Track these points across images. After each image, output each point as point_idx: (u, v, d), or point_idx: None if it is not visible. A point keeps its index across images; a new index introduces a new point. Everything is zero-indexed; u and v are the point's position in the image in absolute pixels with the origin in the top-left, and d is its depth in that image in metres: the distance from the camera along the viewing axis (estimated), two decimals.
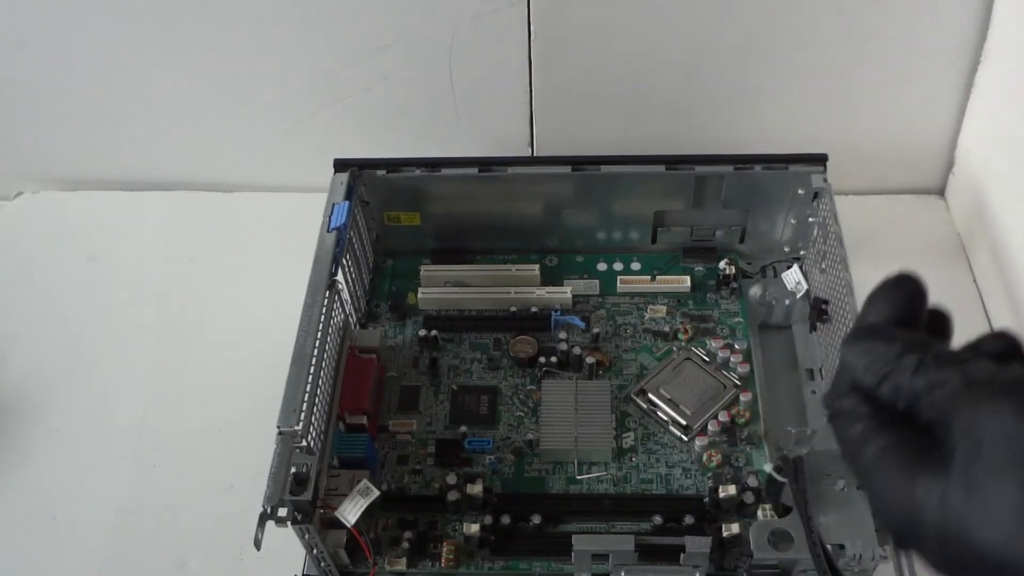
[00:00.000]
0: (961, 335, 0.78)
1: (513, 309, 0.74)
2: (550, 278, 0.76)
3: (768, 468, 0.61)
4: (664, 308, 0.74)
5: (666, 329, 0.73)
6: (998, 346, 0.34)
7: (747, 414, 0.67)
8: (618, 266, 0.78)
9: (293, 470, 0.54)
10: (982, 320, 0.76)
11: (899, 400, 0.33)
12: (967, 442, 0.30)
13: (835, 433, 0.35)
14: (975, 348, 0.34)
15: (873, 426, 0.34)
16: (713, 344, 0.71)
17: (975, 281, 0.79)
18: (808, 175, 0.69)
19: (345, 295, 0.69)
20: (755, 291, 0.73)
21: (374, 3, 0.75)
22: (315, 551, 0.57)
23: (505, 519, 0.62)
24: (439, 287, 0.75)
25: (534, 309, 0.74)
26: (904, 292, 0.36)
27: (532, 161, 0.80)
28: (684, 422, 0.67)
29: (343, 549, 0.59)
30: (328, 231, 0.66)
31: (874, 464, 0.33)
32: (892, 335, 0.34)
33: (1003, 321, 0.74)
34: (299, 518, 0.53)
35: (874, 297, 0.37)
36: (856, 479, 0.35)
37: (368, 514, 0.58)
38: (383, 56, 0.78)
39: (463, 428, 0.68)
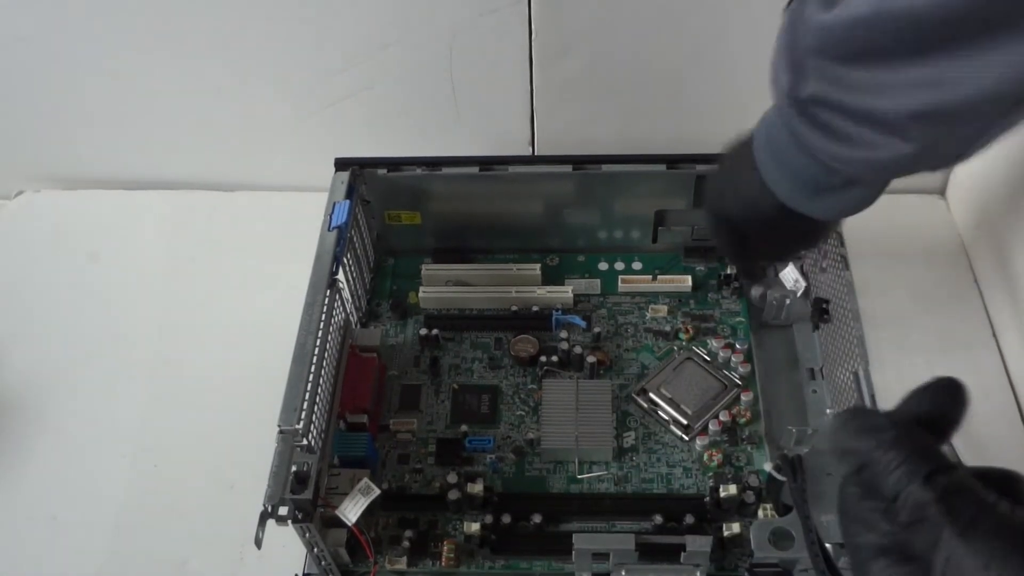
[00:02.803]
0: (962, 334, 0.78)
1: (514, 308, 0.74)
2: (551, 277, 0.76)
3: (768, 467, 0.61)
4: (665, 308, 0.74)
5: (667, 328, 0.73)
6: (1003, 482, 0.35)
7: (748, 414, 0.67)
8: (619, 265, 0.78)
9: (294, 469, 0.54)
10: (983, 320, 0.76)
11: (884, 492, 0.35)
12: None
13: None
14: (984, 476, 0.35)
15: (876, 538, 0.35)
16: (714, 344, 0.71)
17: (976, 281, 0.78)
18: None
19: (346, 294, 0.69)
20: (756, 291, 0.73)
21: (374, 3, 0.74)
22: (316, 550, 0.57)
23: (506, 518, 0.62)
24: (440, 286, 0.75)
25: (535, 308, 0.74)
26: (943, 395, 0.38)
27: (533, 160, 0.80)
28: (685, 421, 0.67)
29: (344, 548, 0.59)
30: (329, 230, 0.66)
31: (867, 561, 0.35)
32: (888, 432, 0.36)
33: (1003, 320, 0.74)
34: (300, 517, 0.53)
35: (915, 392, 0.39)
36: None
37: (369, 513, 0.58)
38: (383, 56, 0.78)
39: (464, 427, 0.68)
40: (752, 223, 0.53)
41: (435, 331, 0.72)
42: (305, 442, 0.55)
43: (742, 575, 0.59)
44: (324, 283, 0.63)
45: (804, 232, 0.53)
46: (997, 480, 0.35)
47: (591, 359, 0.69)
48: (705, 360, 0.70)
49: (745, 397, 0.67)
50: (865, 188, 0.48)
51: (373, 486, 0.58)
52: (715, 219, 0.57)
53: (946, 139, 0.40)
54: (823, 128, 0.43)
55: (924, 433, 0.36)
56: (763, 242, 0.55)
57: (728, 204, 0.54)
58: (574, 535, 0.57)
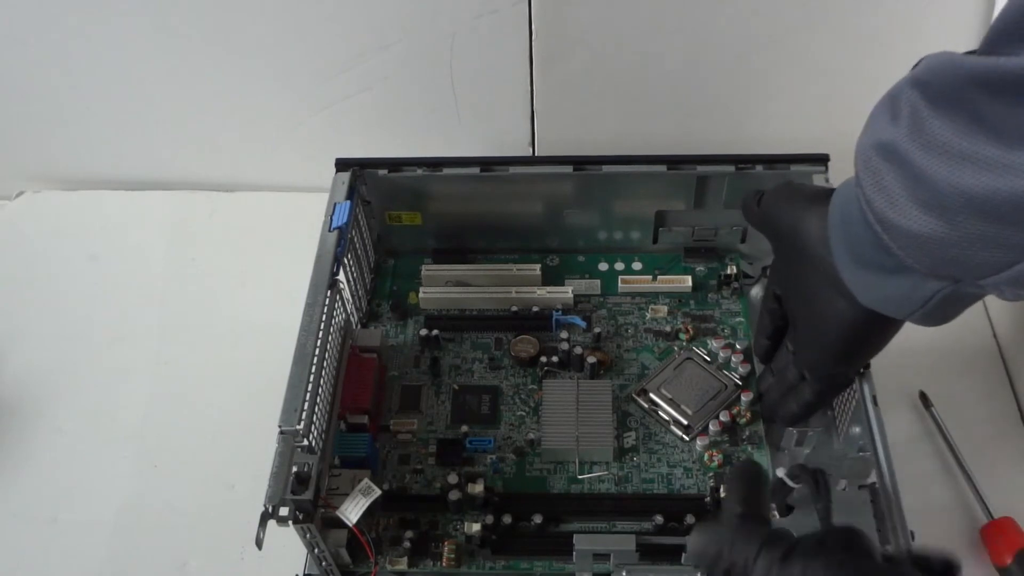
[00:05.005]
0: (963, 334, 0.78)
1: (514, 309, 0.74)
2: (551, 278, 0.76)
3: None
4: (665, 308, 0.74)
5: (667, 329, 0.73)
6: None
7: (748, 414, 0.67)
8: (619, 266, 0.78)
9: (295, 469, 0.54)
10: (983, 319, 0.76)
11: None
12: None
13: None
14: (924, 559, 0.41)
15: None
16: (714, 344, 0.71)
17: None
18: (810, 175, 0.69)
19: (346, 294, 0.69)
20: (756, 291, 0.73)
21: (375, 3, 0.75)
22: (316, 550, 0.57)
23: (506, 519, 0.62)
24: (440, 287, 0.75)
25: (535, 309, 0.74)
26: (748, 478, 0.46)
27: (533, 161, 0.80)
28: (685, 422, 0.67)
29: (344, 548, 0.59)
30: (330, 231, 0.66)
31: None
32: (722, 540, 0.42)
33: (1003, 318, 0.74)
34: (300, 517, 0.53)
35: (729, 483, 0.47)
36: None
37: (369, 513, 0.58)
38: (384, 56, 0.78)
39: (464, 428, 0.68)
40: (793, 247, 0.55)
41: (435, 331, 0.72)
42: (306, 443, 0.55)
43: None
44: (325, 283, 0.63)
45: (820, 291, 0.53)
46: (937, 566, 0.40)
47: (591, 359, 0.69)
48: (705, 360, 0.70)
49: (745, 397, 0.67)
50: (911, 282, 0.45)
51: (374, 487, 0.58)
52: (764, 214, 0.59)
53: (991, 241, 0.38)
54: (880, 186, 0.43)
55: (748, 520, 0.43)
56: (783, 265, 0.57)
57: (784, 215, 0.56)
58: (575, 536, 0.57)
